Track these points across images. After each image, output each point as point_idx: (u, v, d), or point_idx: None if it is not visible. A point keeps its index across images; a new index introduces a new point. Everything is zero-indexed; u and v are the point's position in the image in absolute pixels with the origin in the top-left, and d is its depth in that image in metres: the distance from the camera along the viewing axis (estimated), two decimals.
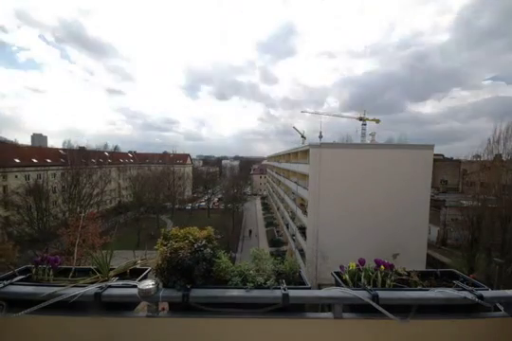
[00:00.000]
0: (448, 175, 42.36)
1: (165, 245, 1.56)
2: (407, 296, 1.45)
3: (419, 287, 1.56)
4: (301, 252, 23.72)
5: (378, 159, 20.53)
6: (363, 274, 1.61)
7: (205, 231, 1.69)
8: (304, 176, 23.92)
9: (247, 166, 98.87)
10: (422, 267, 14.94)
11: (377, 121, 45.52)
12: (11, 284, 1.49)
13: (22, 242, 24.63)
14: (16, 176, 36.64)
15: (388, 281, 1.58)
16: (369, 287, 1.50)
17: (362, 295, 1.41)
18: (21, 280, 1.55)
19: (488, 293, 1.45)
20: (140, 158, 69.82)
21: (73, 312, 1.44)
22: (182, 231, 1.68)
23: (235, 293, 1.46)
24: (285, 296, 1.40)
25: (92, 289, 1.44)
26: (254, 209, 59.02)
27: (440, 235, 30.36)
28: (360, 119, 45.41)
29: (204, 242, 1.57)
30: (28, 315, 1.37)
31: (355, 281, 1.60)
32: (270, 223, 46.71)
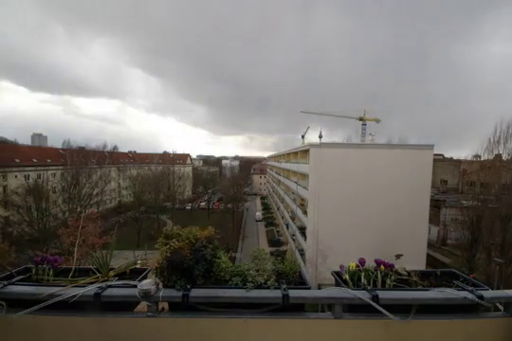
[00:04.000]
0: (448, 175, 42.40)
1: (166, 244, 1.56)
2: (407, 296, 1.44)
3: (419, 287, 1.56)
4: (301, 252, 23.71)
5: (378, 159, 20.53)
6: (363, 274, 1.61)
7: (206, 231, 1.69)
8: (304, 176, 23.90)
9: (247, 166, 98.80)
10: (422, 267, 14.95)
11: (378, 121, 45.34)
12: (11, 284, 1.49)
13: (22, 243, 24.66)
14: (16, 176, 36.64)
15: (388, 281, 1.58)
16: (369, 287, 1.50)
17: (362, 295, 1.40)
18: (21, 280, 1.55)
19: (488, 293, 1.44)
20: (140, 158, 69.87)
21: (73, 312, 1.44)
22: (185, 231, 1.67)
23: (235, 293, 1.46)
24: (285, 296, 1.40)
25: (92, 289, 1.44)
26: (254, 209, 59.12)
27: (440, 235, 30.38)
28: (360, 119, 45.26)
29: (204, 243, 1.57)
30: (28, 315, 1.37)
31: (355, 281, 1.60)
32: (270, 223, 46.70)
